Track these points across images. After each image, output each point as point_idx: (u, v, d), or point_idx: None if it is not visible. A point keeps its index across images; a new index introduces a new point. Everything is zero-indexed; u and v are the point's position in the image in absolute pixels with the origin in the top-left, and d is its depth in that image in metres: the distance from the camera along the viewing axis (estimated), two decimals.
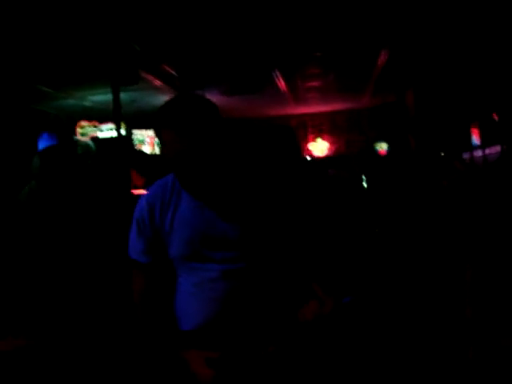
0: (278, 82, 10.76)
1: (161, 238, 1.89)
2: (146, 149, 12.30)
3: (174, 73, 9.15)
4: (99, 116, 11.73)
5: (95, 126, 11.95)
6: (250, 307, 1.80)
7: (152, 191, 1.95)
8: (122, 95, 7.05)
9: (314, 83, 11.44)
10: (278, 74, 10.01)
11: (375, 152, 14.72)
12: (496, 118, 8.62)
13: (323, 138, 15.52)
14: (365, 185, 12.92)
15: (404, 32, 7.90)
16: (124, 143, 8.13)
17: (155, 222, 1.88)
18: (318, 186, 1.95)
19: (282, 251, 1.86)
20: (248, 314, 1.80)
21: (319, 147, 15.51)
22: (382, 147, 14.74)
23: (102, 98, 10.36)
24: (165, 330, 1.90)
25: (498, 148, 8.22)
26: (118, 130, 6.63)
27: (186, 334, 1.87)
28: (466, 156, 9.67)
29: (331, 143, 15.48)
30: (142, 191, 8.48)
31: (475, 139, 9.73)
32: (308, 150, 15.32)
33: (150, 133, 12.52)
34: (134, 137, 12.02)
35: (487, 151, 8.82)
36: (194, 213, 1.85)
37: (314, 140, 15.49)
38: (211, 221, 1.83)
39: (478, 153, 9.29)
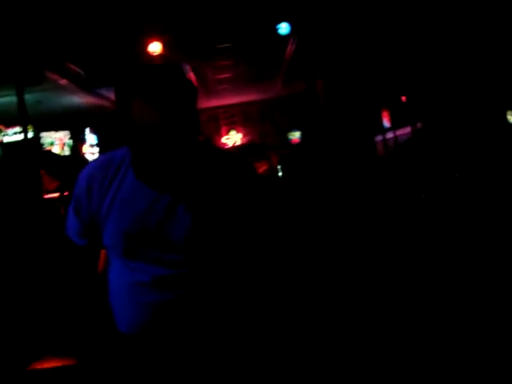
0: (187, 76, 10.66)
1: (97, 221, 1.70)
2: (56, 151, 11.93)
3: (80, 71, 8.90)
4: (4, 119, 11.28)
5: (0, 131, 11.48)
6: (184, 326, 1.65)
7: (94, 167, 1.73)
8: (27, 96, 6.77)
9: (225, 75, 11.42)
10: (187, 66, 9.91)
11: (289, 141, 14.89)
12: (404, 100, 8.87)
13: (237, 130, 15.53)
14: (280, 174, 13.10)
15: (311, 20, 7.99)
16: (32, 146, 7.84)
17: (92, 203, 1.68)
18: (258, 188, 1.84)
19: (223, 261, 1.71)
20: (181, 333, 1.65)
21: (233, 140, 15.52)
22: (295, 136, 14.93)
23: (5, 100, 9.95)
24: None
25: (407, 129, 8.47)
26: (24, 132, 6.36)
27: (123, 337, 1.73)
28: (378, 139, 9.93)
29: (245, 135, 15.53)
30: (55, 195, 8.25)
31: (386, 122, 9.98)
32: (222, 143, 15.31)
33: (59, 134, 12.16)
34: (42, 139, 11.62)
35: (398, 133, 9.07)
36: (136, 200, 1.64)
37: (227, 133, 15.49)
38: (155, 212, 1.63)
39: (390, 135, 9.53)
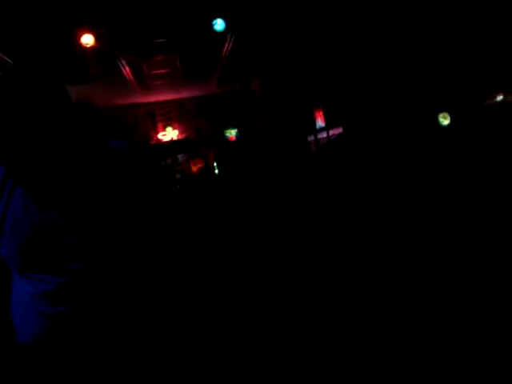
0: (123, 70, 10.50)
1: None
2: None
3: (8, 59, 8.65)
4: None
5: None
6: (87, 330, 1.58)
7: None
8: None
9: (161, 70, 11.30)
10: (122, 61, 9.77)
11: (225, 138, 14.87)
12: (337, 102, 9.05)
13: (173, 127, 15.40)
14: (216, 171, 13.07)
15: (247, 18, 8.00)
16: None
17: None
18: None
19: (122, 263, 1.64)
20: (83, 338, 1.58)
21: (169, 136, 15.40)
22: (232, 133, 14.93)
23: None
24: None
25: (340, 129, 8.63)
26: None
27: (21, 347, 1.62)
28: (310, 138, 10.07)
29: (181, 131, 15.41)
30: None
31: (321, 122, 10.12)
32: (158, 139, 15.16)
33: None
34: None
35: (331, 132, 9.22)
36: (29, 212, 1.55)
37: (163, 129, 15.33)
38: (50, 224, 1.54)
39: (323, 134, 9.68)
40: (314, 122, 10.16)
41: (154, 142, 14.65)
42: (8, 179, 1.56)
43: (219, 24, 8.06)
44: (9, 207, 1.55)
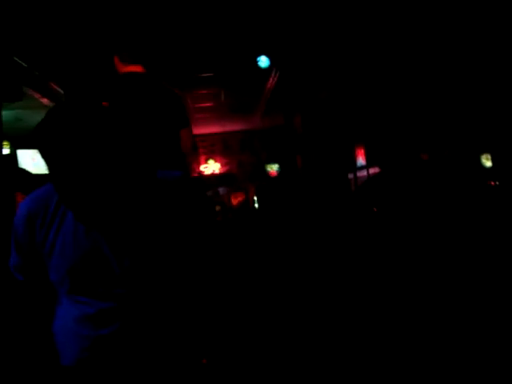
0: None
1: (40, 258, 1.64)
2: (33, 169, 11.86)
3: (61, 91, 8.92)
4: None
5: None
6: (126, 354, 1.62)
7: (34, 201, 1.65)
8: (7, 113, 6.78)
9: (205, 104, 11.50)
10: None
11: (266, 173, 14.96)
12: (378, 142, 9.03)
13: (215, 160, 15.57)
14: (256, 206, 13.13)
15: (291, 56, 8.11)
16: (8, 164, 7.81)
17: (35, 239, 1.62)
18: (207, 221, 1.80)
19: (169, 294, 1.68)
20: (128, 362, 1.62)
21: (211, 169, 15.56)
22: (273, 168, 15.01)
23: None
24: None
25: (377, 169, 8.61)
26: None
27: (63, 370, 1.67)
28: (351, 176, 10.06)
29: (223, 164, 15.57)
30: None
31: (361, 160, 10.11)
32: (200, 171, 15.33)
33: (35, 152, 12.10)
34: (19, 158, 11.57)
35: (371, 171, 9.20)
36: (79, 236, 1.59)
37: (205, 162, 15.51)
38: (98, 249, 1.59)
39: (363, 172, 9.67)
40: (354, 160, 10.17)
41: (195, 174, 14.80)
42: (60, 205, 1.61)
43: (263, 61, 8.20)
44: (60, 232, 1.60)
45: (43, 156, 1.43)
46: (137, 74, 3.55)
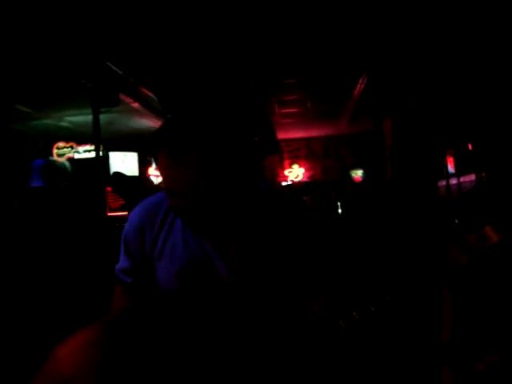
0: None
1: (149, 263, 1.72)
2: (123, 170, 12.23)
3: (152, 95, 9.15)
4: (76, 137, 11.70)
5: (72, 148, 11.90)
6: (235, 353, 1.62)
7: (144, 209, 1.74)
8: (100, 117, 7.03)
9: (291, 109, 11.52)
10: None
11: (351, 178, 14.85)
12: (470, 147, 8.75)
13: (299, 165, 15.58)
14: (339, 211, 13.04)
15: (382, 58, 8.01)
16: (101, 165, 8.10)
17: (145, 245, 1.71)
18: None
19: (275, 299, 1.69)
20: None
21: (295, 173, 15.58)
22: (358, 174, 14.88)
23: (79, 118, 10.33)
24: None
25: (472, 177, 8.32)
26: (97, 151, 6.62)
27: None
28: (441, 184, 9.80)
29: (307, 169, 15.56)
30: (117, 213, 8.44)
31: (450, 168, 9.85)
32: (284, 175, 15.38)
33: (129, 155, 12.47)
34: (111, 159, 11.96)
35: (462, 179, 8.93)
36: (187, 242, 1.66)
37: (290, 166, 15.55)
38: (206, 254, 1.65)
39: (453, 181, 9.39)
40: (445, 167, 9.91)
41: (280, 178, 14.85)
42: (170, 211, 1.69)
43: None
44: (169, 236, 1.68)
45: (156, 162, 1.48)
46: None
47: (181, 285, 1.67)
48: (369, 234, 8.93)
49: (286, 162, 15.56)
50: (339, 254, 1.86)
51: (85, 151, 11.87)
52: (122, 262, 1.81)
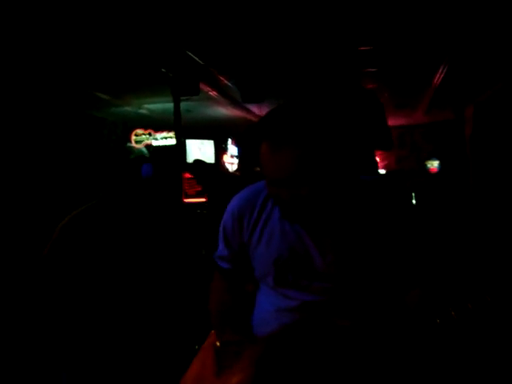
0: None
1: (246, 251, 1.78)
2: (200, 157, 12.37)
3: (230, 84, 9.23)
4: (154, 124, 11.94)
5: (150, 135, 12.15)
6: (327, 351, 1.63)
7: (243, 199, 1.79)
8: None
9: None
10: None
11: (426, 169, 14.58)
12: None
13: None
14: (414, 201, 12.84)
15: (463, 48, 7.81)
16: (179, 152, 8.25)
17: (243, 235, 1.76)
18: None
19: (371, 290, 1.70)
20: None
21: None
22: (434, 165, 14.59)
23: (158, 106, 10.53)
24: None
25: None
26: (178, 139, 6.76)
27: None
28: None
29: (382, 159, 15.37)
30: (193, 200, 8.59)
31: None
32: None
33: (205, 142, 12.62)
34: (188, 146, 12.16)
35: None
36: (284, 231, 1.69)
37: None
38: (303, 244, 1.67)
39: None
40: None
41: None
42: (267, 201, 1.73)
43: None
44: (267, 226, 1.72)
45: (255, 147, 1.52)
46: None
47: (277, 273, 1.70)
48: (449, 228, 8.74)
49: None
50: (435, 248, 1.84)
51: (162, 138, 12.10)
52: (221, 249, 1.88)
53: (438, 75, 9.44)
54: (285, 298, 1.73)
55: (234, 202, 1.82)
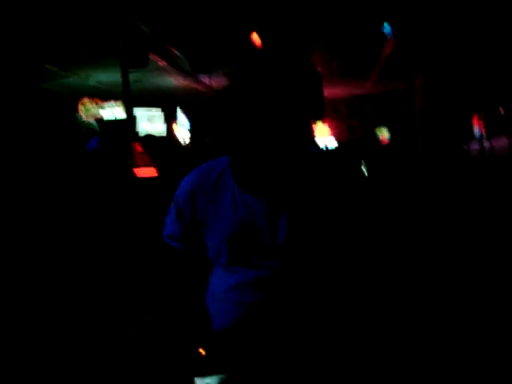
0: None
1: (199, 229, 1.76)
2: (149, 128, 12.20)
3: (179, 54, 9.09)
4: (103, 95, 11.71)
5: (97, 104, 11.92)
6: (279, 318, 1.69)
7: (195, 176, 1.79)
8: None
9: (317, 69, 11.34)
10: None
11: (376, 139, 14.71)
12: (502, 110, 8.55)
13: (323, 123, 15.48)
14: (365, 172, 12.96)
15: (412, 16, 7.84)
16: (128, 124, 8.12)
17: (197, 212, 1.75)
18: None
19: (322, 264, 1.72)
20: (276, 324, 1.70)
21: (320, 130, 15.46)
22: (384, 133, 14.73)
23: (106, 77, 10.32)
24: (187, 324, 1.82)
25: (503, 139, 8.10)
26: (127, 111, 6.64)
27: (214, 334, 1.79)
28: (473, 147, 9.56)
29: (332, 128, 15.47)
30: (144, 172, 8.49)
31: (478, 130, 9.63)
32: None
33: (154, 111, 12.45)
34: (137, 117, 11.96)
35: (491, 142, 8.72)
36: (237, 209, 1.70)
37: (313, 122, 15.41)
38: (255, 221, 1.68)
39: (481, 144, 9.18)
40: (471, 129, 9.69)
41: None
42: (221, 178, 1.74)
43: (385, 28, 7.98)
44: (219, 203, 1.73)
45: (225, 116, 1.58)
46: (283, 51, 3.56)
47: (230, 252, 1.71)
48: (399, 199, 8.85)
49: (311, 121, 15.43)
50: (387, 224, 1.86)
51: (109, 107, 11.88)
52: (172, 228, 1.85)
53: (387, 45, 9.47)
54: (238, 275, 1.74)
55: (187, 179, 1.81)
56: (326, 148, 13.77)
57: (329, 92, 14.49)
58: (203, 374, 1.71)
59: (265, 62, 1.69)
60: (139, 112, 12.00)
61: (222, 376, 1.70)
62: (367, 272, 1.79)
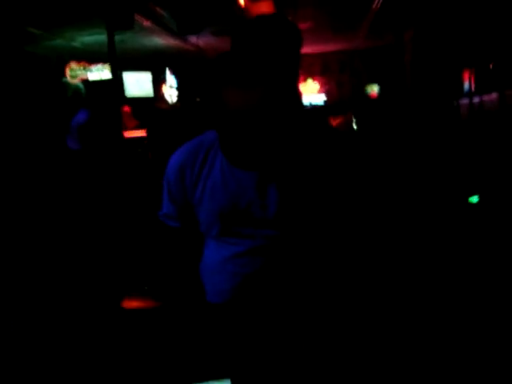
0: None
1: (191, 205, 1.80)
2: (137, 91, 12.09)
3: (165, 14, 8.95)
4: (88, 57, 11.55)
5: (84, 68, 11.76)
6: (275, 286, 1.73)
7: (184, 153, 1.82)
8: None
9: (306, 24, 11.21)
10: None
11: (366, 94, 14.64)
12: (491, 66, 8.46)
13: (314, 79, 15.37)
14: (355, 127, 12.94)
15: None
16: (115, 86, 8.04)
17: (186, 189, 1.78)
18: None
19: (312, 233, 1.75)
20: (273, 292, 1.72)
21: (310, 88, 15.37)
22: (374, 89, 14.66)
23: (91, 39, 10.15)
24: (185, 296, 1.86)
25: (493, 95, 8.05)
26: (113, 73, 6.56)
27: (211, 307, 1.82)
28: (463, 102, 9.52)
29: (322, 84, 15.35)
30: (133, 133, 8.46)
31: (469, 85, 9.56)
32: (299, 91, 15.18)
33: (143, 74, 12.31)
34: (124, 79, 11.82)
35: (480, 98, 8.67)
36: (226, 183, 1.72)
37: (304, 81, 15.32)
38: (245, 195, 1.71)
39: (471, 99, 9.13)
40: (462, 85, 9.63)
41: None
42: (209, 154, 1.77)
43: None
44: (209, 178, 1.76)
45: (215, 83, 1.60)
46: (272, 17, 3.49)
47: (222, 225, 1.75)
48: (385, 152, 8.83)
49: (301, 77, 15.31)
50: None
51: (97, 70, 11.74)
52: (166, 207, 1.89)
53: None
54: (230, 245, 1.78)
55: (176, 157, 1.83)
56: (311, 105, 13.73)
57: (319, 48, 14.36)
58: (202, 380, 1.72)
59: (256, 28, 1.71)
60: (127, 75, 11.84)
61: (221, 381, 1.69)
62: (360, 241, 1.82)
